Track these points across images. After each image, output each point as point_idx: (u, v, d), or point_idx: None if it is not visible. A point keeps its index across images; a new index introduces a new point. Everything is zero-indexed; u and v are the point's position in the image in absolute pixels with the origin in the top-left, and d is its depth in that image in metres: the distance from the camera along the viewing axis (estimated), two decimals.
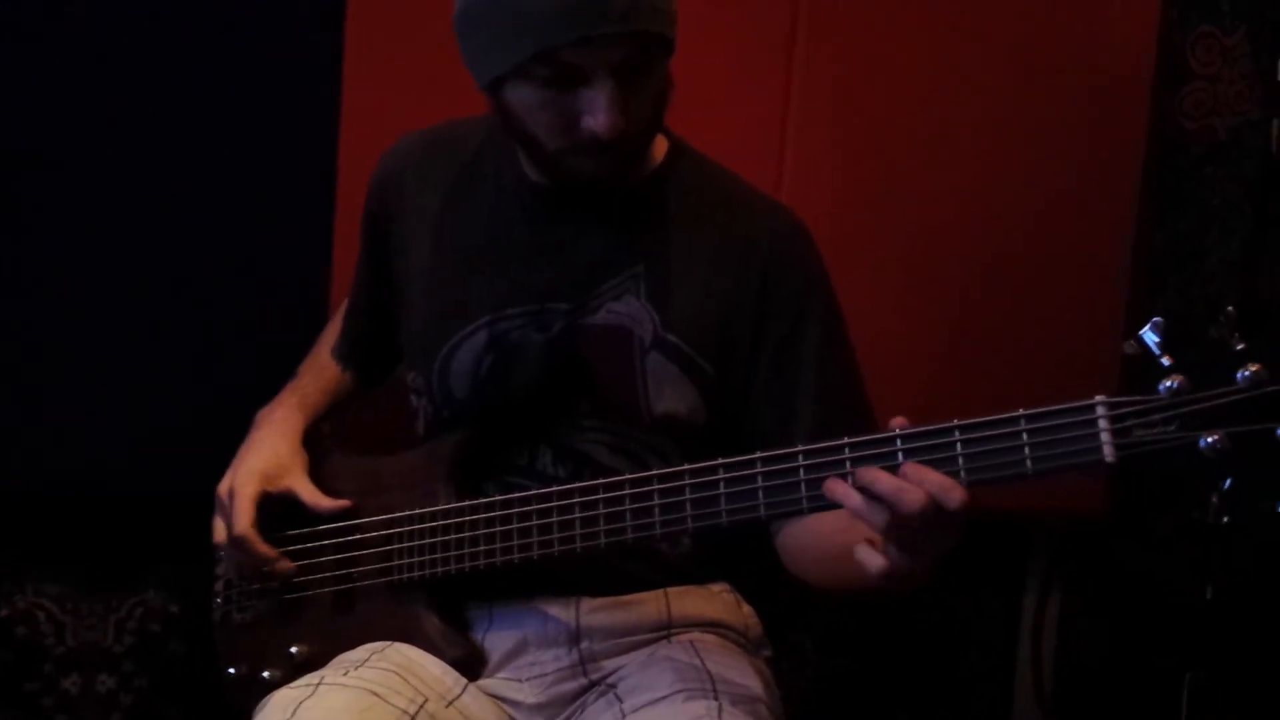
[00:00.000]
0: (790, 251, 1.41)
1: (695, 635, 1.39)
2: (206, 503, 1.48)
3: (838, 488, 1.11)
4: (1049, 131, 1.99)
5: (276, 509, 1.44)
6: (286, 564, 1.45)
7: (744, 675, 1.33)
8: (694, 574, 1.43)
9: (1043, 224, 2.01)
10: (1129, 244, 2.05)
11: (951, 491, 1.05)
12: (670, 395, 1.37)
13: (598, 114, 1.25)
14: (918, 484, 1.06)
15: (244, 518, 1.41)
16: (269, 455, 1.46)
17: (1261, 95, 2.17)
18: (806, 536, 1.34)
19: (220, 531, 1.45)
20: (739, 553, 1.46)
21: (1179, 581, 2.10)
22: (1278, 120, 2.06)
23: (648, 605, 1.39)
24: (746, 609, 1.47)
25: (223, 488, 1.45)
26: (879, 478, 1.08)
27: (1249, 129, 2.18)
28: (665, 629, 1.39)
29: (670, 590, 1.40)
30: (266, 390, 1.57)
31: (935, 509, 1.05)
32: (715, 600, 1.44)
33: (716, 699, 1.25)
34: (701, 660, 1.33)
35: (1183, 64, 2.16)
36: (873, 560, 1.11)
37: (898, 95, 1.94)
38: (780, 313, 1.39)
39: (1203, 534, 2.03)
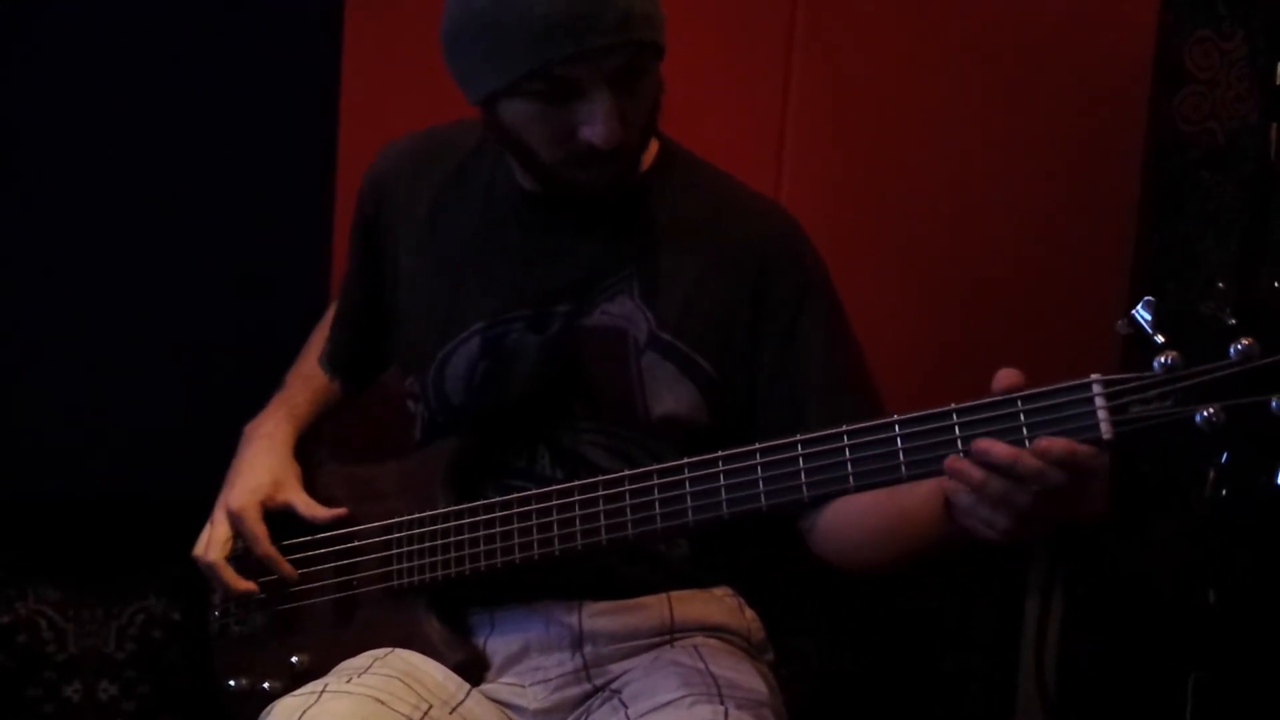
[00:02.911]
0: (784, 248, 1.41)
1: (699, 639, 1.39)
2: (206, 505, 1.48)
3: (958, 463, 1.06)
4: (1047, 135, 1.99)
5: (275, 524, 1.44)
6: (292, 570, 1.45)
7: (749, 679, 1.33)
8: (696, 577, 1.43)
9: (1041, 227, 2.01)
10: (1127, 247, 2.05)
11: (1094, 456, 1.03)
12: (668, 396, 1.37)
13: (595, 125, 1.25)
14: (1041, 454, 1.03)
15: (263, 541, 1.43)
16: (262, 471, 1.46)
17: (1259, 99, 2.17)
18: (850, 513, 1.30)
19: (201, 545, 1.46)
20: (740, 555, 1.46)
21: (1181, 583, 2.10)
22: (1276, 124, 2.05)
23: (650, 609, 1.39)
24: (749, 613, 1.47)
25: (219, 509, 1.46)
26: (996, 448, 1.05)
27: (1247, 132, 2.17)
28: (668, 633, 1.39)
29: (673, 594, 1.40)
30: (264, 393, 1.57)
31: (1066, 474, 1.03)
32: (718, 604, 1.44)
33: (723, 703, 1.25)
34: (706, 664, 1.33)
35: (1180, 67, 2.16)
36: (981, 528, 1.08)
37: (896, 98, 1.94)
38: (778, 309, 1.39)
39: (1205, 535, 2.03)
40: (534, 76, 1.24)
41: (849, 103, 1.93)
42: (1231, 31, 2.16)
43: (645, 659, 1.37)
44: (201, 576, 1.49)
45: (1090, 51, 2.00)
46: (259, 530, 1.43)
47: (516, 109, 1.29)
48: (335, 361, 1.61)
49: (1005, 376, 1.08)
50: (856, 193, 1.94)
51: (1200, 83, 2.17)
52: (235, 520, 1.44)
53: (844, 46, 1.92)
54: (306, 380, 1.59)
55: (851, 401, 1.36)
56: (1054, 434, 1.04)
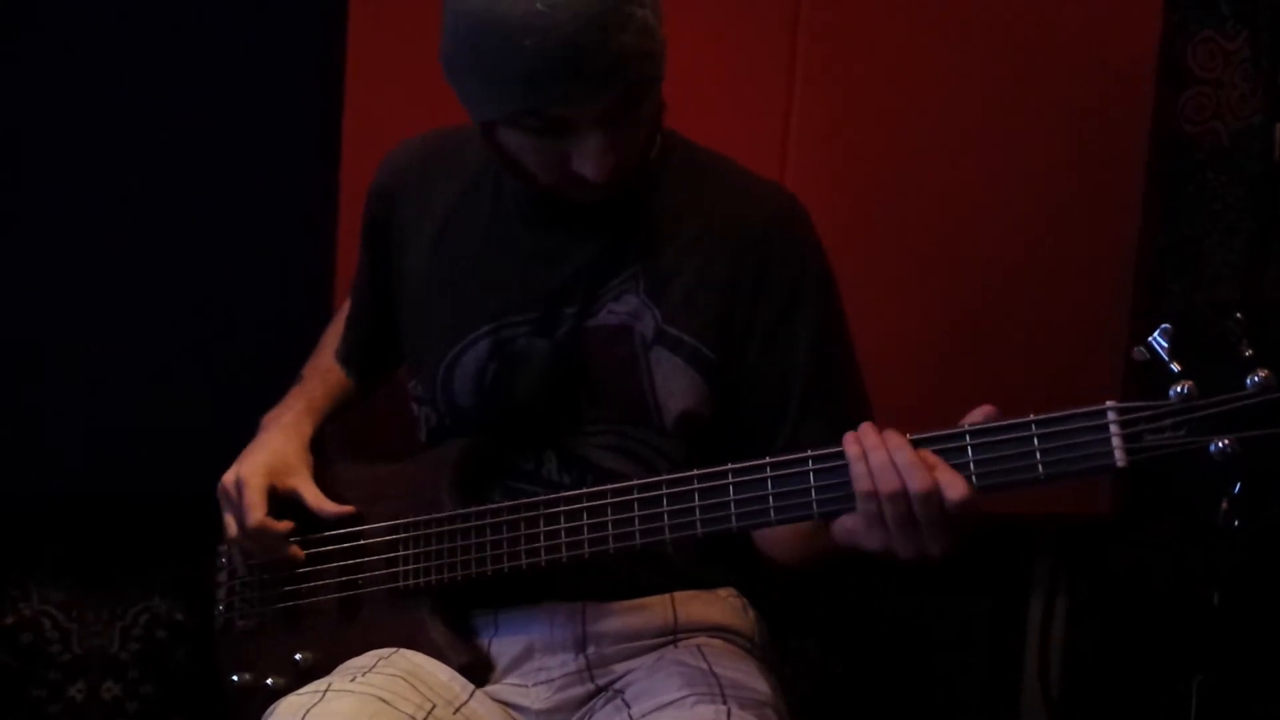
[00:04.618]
0: (785, 234, 1.41)
1: (702, 640, 1.39)
2: (210, 504, 1.47)
3: (853, 445, 1.14)
4: (1051, 136, 1.99)
5: (281, 512, 1.43)
6: (298, 551, 1.44)
7: (752, 679, 1.33)
8: (700, 578, 1.43)
9: (1045, 228, 2.01)
10: (1132, 248, 2.05)
11: (955, 486, 1.08)
12: (677, 389, 1.37)
13: (586, 161, 1.26)
14: (929, 467, 1.10)
15: (257, 510, 1.41)
16: (275, 453, 1.45)
17: (1263, 99, 2.17)
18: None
19: (232, 527, 1.45)
20: (744, 557, 1.46)
21: (1185, 585, 2.10)
22: None
23: (654, 610, 1.39)
24: (753, 613, 1.47)
25: (227, 479, 1.44)
26: (899, 448, 1.11)
27: (1252, 133, 2.18)
28: (671, 634, 1.39)
29: (676, 595, 1.40)
30: (270, 392, 1.57)
31: (938, 500, 1.09)
32: (721, 605, 1.44)
33: (725, 703, 1.25)
34: (709, 664, 1.33)
35: (1184, 68, 2.17)
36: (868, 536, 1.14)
37: (900, 100, 1.94)
38: (773, 297, 1.39)
39: (1209, 537, 2.03)
40: (526, 114, 1.25)
41: (853, 100, 1.93)
42: (1235, 32, 2.17)
43: (648, 659, 1.37)
44: (217, 567, 1.48)
45: (1094, 52, 2.00)
46: (258, 500, 1.41)
47: (512, 138, 1.29)
48: (350, 359, 1.61)
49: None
50: (860, 190, 1.94)
51: (1204, 83, 2.17)
52: (239, 488, 1.41)
53: (848, 43, 1.92)
54: (324, 375, 1.59)
55: (835, 401, 1.37)
56: (1067, 459, 1.07)
